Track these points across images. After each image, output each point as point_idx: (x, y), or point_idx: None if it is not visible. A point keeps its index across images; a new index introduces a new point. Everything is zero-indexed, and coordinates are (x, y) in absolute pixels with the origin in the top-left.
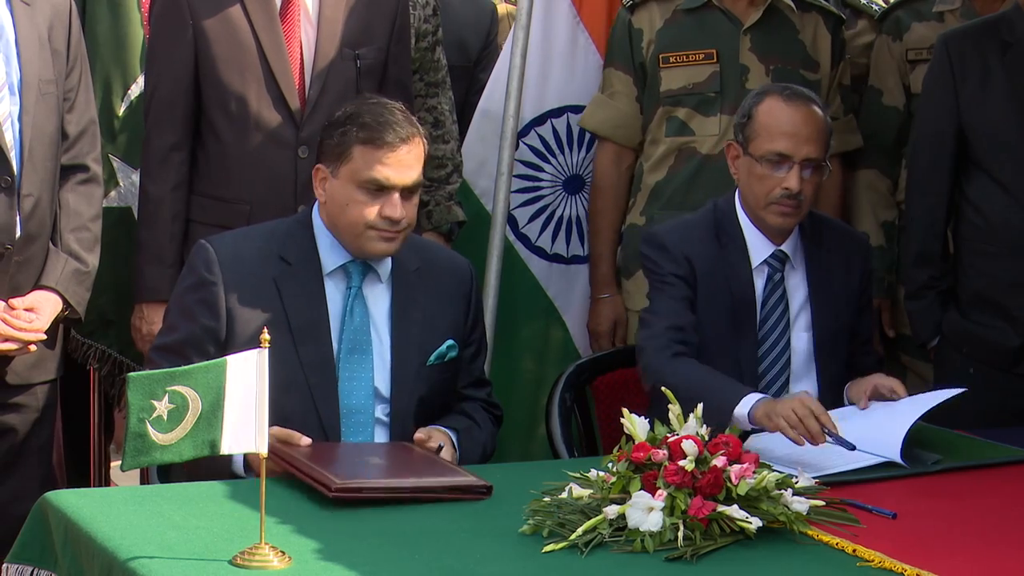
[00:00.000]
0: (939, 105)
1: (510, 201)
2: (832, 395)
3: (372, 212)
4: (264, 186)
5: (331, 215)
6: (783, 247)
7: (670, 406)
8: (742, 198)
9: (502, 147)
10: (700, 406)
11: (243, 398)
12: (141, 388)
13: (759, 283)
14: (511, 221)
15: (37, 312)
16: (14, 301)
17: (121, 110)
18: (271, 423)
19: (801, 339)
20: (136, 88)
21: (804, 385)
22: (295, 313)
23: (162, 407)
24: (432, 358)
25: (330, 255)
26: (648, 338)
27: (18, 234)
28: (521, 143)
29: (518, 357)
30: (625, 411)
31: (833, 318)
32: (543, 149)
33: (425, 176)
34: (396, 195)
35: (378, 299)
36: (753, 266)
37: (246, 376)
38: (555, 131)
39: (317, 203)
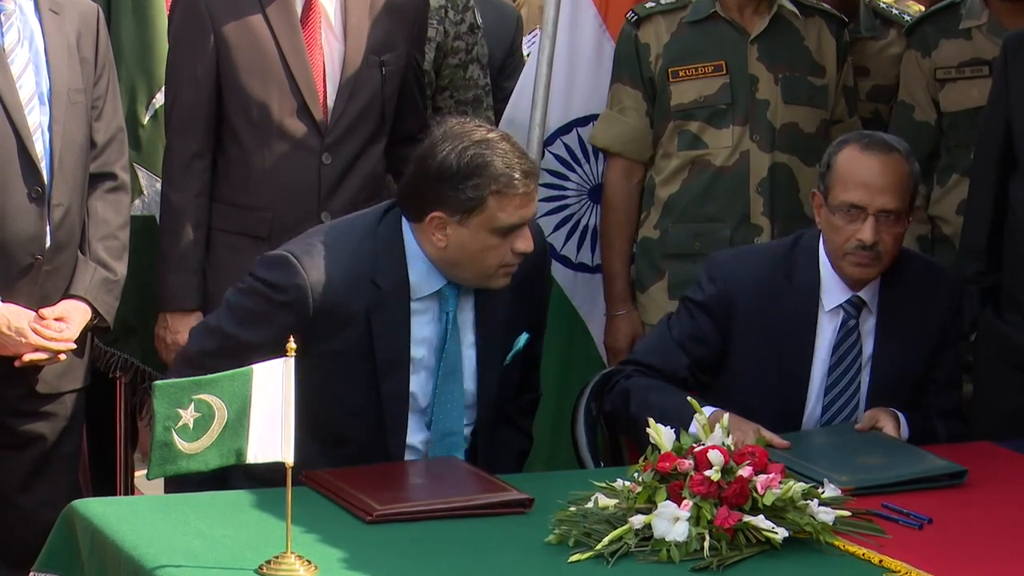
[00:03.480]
0: (994, 104)
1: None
2: None
3: (506, 252)
4: (287, 193)
5: (453, 258)
6: (862, 293)
7: (696, 416)
8: (825, 245)
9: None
10: (726, 416)
11: (269, 407)
12: (167, 397)
13: (828, 328)
14: None
15: (67, 322)
16: (44, 311)
17: (146, 119)
18: (325, 443)
19: (865, 387)
20: (161, 97)
21: None
22: (383, 346)
23: (188, 416)
24: (508, 358)
25: (425, 282)
26: (634, 358)
27: (48, 244)
28: (547, 152)
29: (543, 366)
30: (651, 420)
31: (898, 363)
32: (568, 158)
33: None
34: (526, 227)
35: (465, 310)
36: (825, 310)
37: (272, 384)
38: (581, 140)
39: (409, 226)
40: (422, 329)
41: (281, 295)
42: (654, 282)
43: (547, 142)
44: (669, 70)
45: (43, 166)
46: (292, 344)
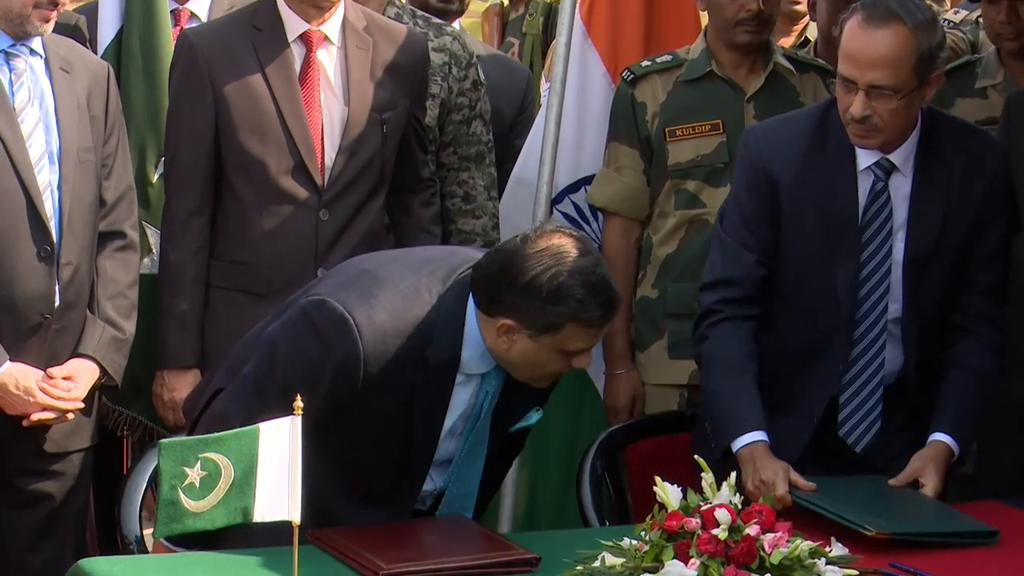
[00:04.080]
0: None
1: None
2: (920, 319)
3: (566, 366)
4: (284, 250)
5: (512, 361)
6: (892, 156)
7: (703, 475)
8: None
9: (536, 214)
10: (732, 475)
11: (276, 465)
12: (173, 455)
13: (863, 192)
14: None
15: (75, 381)
16: (52, 370)
17: (155, 177)
18: (337, 491)
19: (900, 254)
20: None
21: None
22: (420, 411)
23: (194, 474)
24: (513, 428)
25: (477, 363)
26: (708, 281)
27: (57, 303)
28: (555, 210)
29: (550, 423)
30: (658, 479)
31: (936, 231)
32: (576, 216)
33: None
34: (592, 349)
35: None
36: (859, 169)
37: (279, 443)
38: (593, 205)
39: (475, 307)
40: (458, 398)
41: (331, 360)
42: (654, 341)
43: (555, 200)
44: (666, 129)
45: (52, 225)
46: (299, 402)
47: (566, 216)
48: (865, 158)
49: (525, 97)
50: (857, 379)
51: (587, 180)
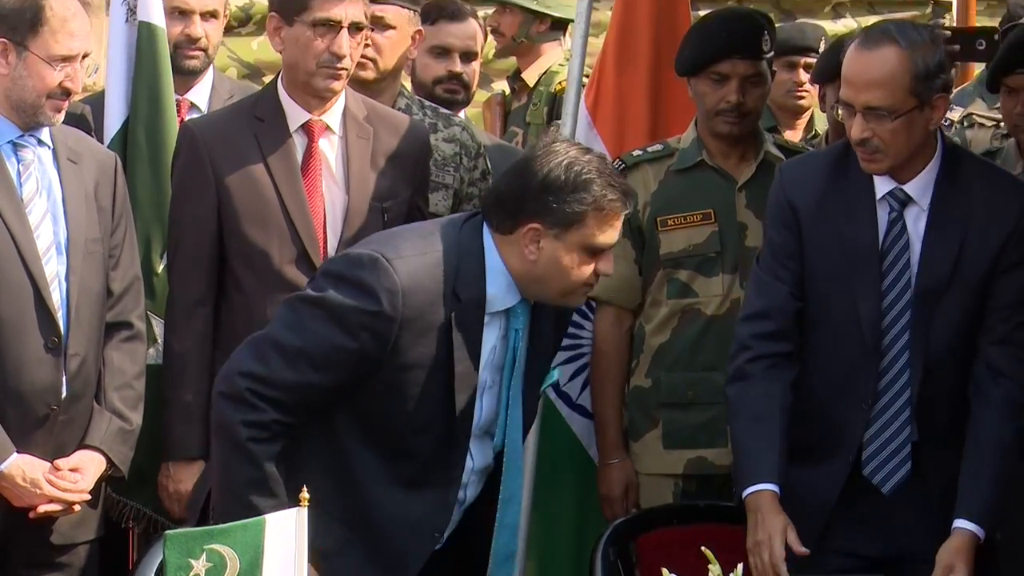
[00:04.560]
0: None
1: None
2: (926, 354)
3: (590, 271)
4: None
5: (541, 273)
6: (907, 186)
7: (710, 566)
8: None
9: None
10: (740, 566)
11: (282, 557)
12: (179, 547)
13: (881, 222)
14: None
15: (82, 473)
16: (59, 462)
17: (160, 268)
18: (384, 456)
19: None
20: None
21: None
22: (461, 358)
23: (200, 566)
24: (542, 388)
25: (504, 297)
26: (744, 315)
27: (64, 394)
28: None
29: (559, 514)
30: (664, 571)
31: (948, 268)
32: (584, 306)
33: None
34: (611, 250)
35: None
36: (877, 199)
37: (285, 535)
38: None
39: (491, 238)
40: (487, 344)
41: (373, 303)
42: (648, 431)
43: None
44: (658, 219)
45: (60, 316)
46: (305, 494)
47: None
48: (881, 187)
49: None
50: (883, 415)
51: None
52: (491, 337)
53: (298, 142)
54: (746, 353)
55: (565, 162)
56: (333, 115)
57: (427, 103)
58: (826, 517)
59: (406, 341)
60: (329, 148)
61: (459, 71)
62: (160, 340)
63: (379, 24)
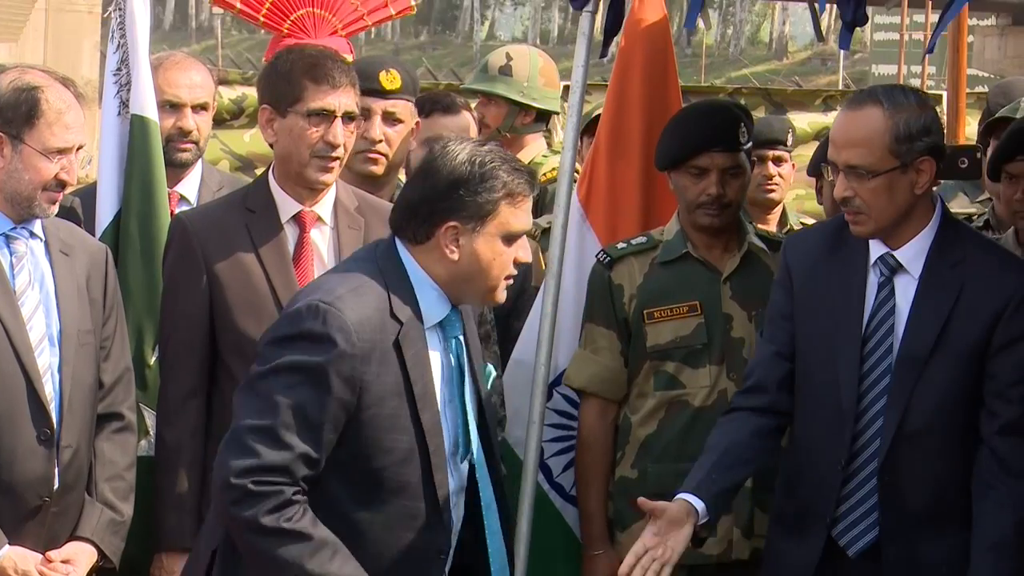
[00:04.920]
0: None
1: (543, 450)
2: (900, 423)
3: (511, 261)
4: None
5: (465, 272)
6: (898, 252)
7: None
8: None
9: (533, 395)
10: None
11: None
12: None
13: (871, 288)
14: (545, 470)
15: (74, 564)
16: (51, 553)
17: (152, 360)
18: (375, 501)
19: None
20: None
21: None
22: (416, 377)
23: None
24: (488, 387)
25: (435, 308)
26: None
27: (56, 486)
28: (555, 392)
29: None
30: None
31: (932, 338)
32: (577, 398)
33: None
34: (523, 236)
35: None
36: (869, 264)
37: None
38: (570, 387)
39: (408, 253)
40: (434, 360)
41: (329, 348)
42: (634, 521)
43: (555, 382)
44: (644, 311)
45: (52, 408)
46: None
47: (566, 398)
48: (874, 253)
49: (525, 279)
50: (855, 477)
51: None
52: (436, 351)
53: (290, 233)
54: (729, 409)
55: (467, 157)
56: (324, 206)
57: None
58: None
59: (370, 375)
60: (321, 239)
61: None
62: (151, 432)
63: (390, 120)
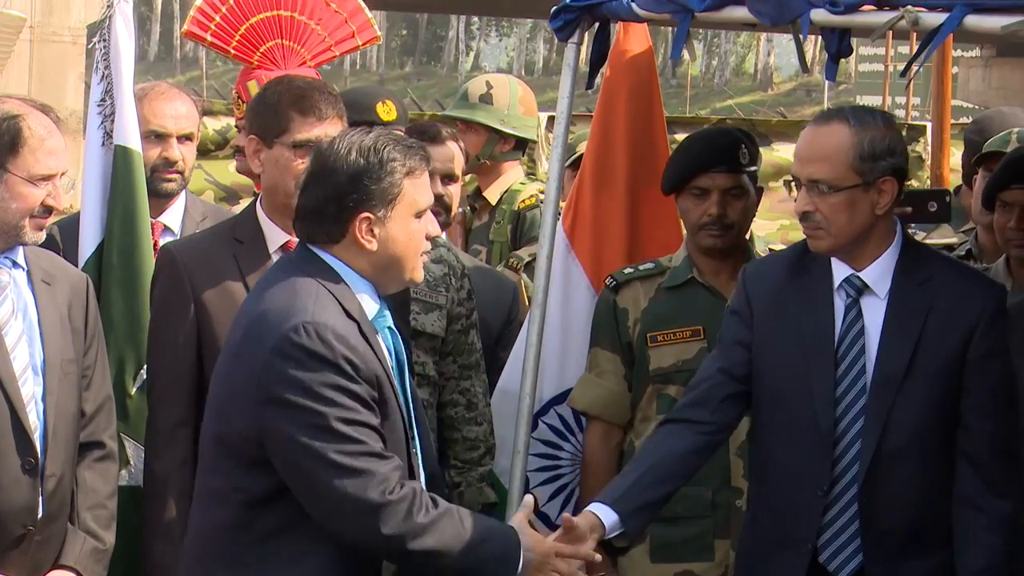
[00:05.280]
0: None
1: (529, 480)
2: (878, 444)
3: (424, 237)
4: None
5: (385, 259)
6: (863, 273)
7: None
8: None
9: (518, 425)
10: None
11: None
12: None
13: (838, 310)
14: None
15: None
16: None
17: (134, 390)
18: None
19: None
20: None
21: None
22: (381, 377)
23: None
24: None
25: (371, 302)
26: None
27: (40, 515)
28: (540, 422)
29: None
30: None
31: (906, 360)
32: (562, 428)
33: (458, 459)
34: (429, 208)
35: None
36: (834, 288)
37: None
38: (575, 409)
39: (328, 255)
40: (391, 359)
41: (338, 357)
42: (636, 545)
43: (541, 412)
44: (648, 335)
45: (36, 437)
46: None
47: (552, 428)
48: (838, 275)
49: (511, 309)
50: (838, 501)
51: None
52: (382, 345)
53: None
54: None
55: (358, 147)
56: None
57: None
58: None
59: (370, 373)
60: None
61: (440, 193)
62: (132, 461)
63: None
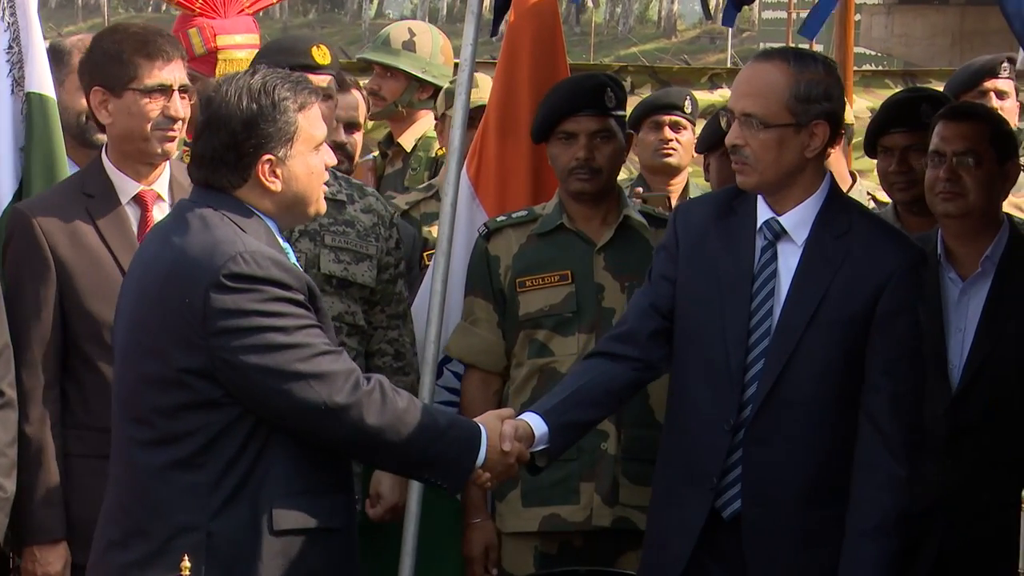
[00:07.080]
0: None
1: None
2: (779, 388)
3: (323, 169)
4: None
5: (291, 197)
6: (783, 218)
7: None
8: None
9: (423, 373)
10: None
11: None
12: None
13: (758, 250)
14: None
15: None
16: None
17: None
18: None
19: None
20: None
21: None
22: (314, 297)
23: None
24: None
25: (277, 239)
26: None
27: None
28: (445, 369)
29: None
30: None
31: (812, 308)
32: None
33: None
34: (324, 141)
35: None
36: (757, 229)
37: None
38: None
39: (239, 199)
40: None
41: (287, 278)
42: (511, 489)
43: (445, 360)
44: (517, 280)
45: None
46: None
47: (456, 375)
48: (760, 217)
49: (411, 256)
50: (739, 439)
51: None
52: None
53: (131, 214)
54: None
55: (247, 90)
56: (162, 184)
57: (339, 173)
58: (691, 547)
59: (299, 285)
60: (162, 216)
61: (343, 141)
62: None
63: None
